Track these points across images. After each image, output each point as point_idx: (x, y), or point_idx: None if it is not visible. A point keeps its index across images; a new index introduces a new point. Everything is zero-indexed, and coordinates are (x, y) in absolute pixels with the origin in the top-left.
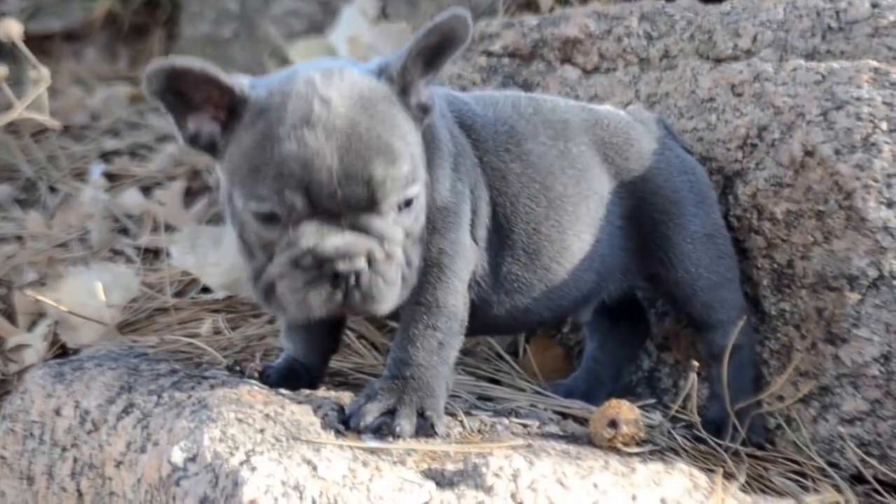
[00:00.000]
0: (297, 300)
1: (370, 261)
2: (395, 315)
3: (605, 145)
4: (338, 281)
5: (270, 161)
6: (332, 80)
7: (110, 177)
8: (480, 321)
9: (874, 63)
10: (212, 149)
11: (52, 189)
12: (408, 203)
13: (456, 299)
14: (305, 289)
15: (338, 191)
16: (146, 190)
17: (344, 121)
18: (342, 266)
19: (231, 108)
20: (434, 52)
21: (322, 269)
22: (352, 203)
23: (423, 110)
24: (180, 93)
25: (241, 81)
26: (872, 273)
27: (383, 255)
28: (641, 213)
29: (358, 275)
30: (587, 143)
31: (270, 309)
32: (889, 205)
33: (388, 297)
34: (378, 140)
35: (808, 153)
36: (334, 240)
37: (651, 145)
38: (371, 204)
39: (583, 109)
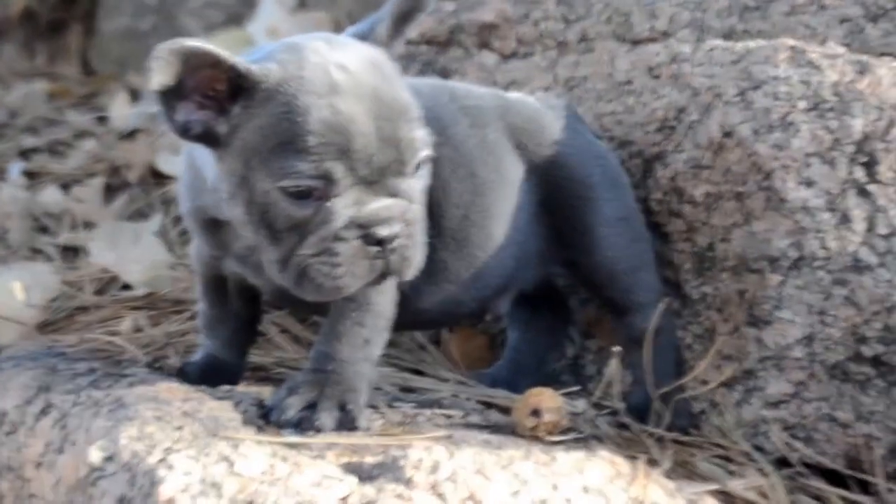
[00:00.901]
0: (340, 274)
1: (403, 223)
2: (319, 309)
3: (517, 131)
4: (380, 247)
5: (301, 133)
6: (337, 47)
7: (29, 174)
8: (410, 314)
9: (791, 42)
10: (207, 137)
11: None
12: (420, 164)
13: (385, 297)
14: (350, 260)
15: (374, 156)
16: (66, 187)
17: (366, 86)
18: (384, 231)
19: (234, 89)
20: (403, 17)
21: (365, 237)
22: (384, 167)
23: None
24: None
25: (242, 60)
26: (793, 254)
27: (413, 217)
28: (556, 198)
29: (395, 238)
30: (501, 129)
31: (304, 292)
32: (808, 184)
33: (418, 259)
34: (398, 102)
35: (727, 134)
36: (374, 205)
37: (563, 131)
38: (400, 167)
39: (494, 96)
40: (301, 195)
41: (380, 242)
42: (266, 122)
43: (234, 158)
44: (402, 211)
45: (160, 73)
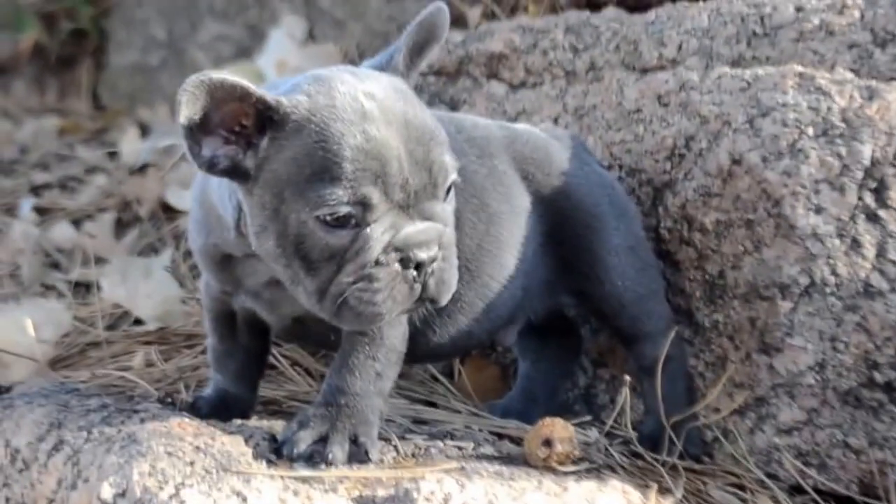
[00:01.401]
0: (380, 300)
1: (439, 246)
2: (329, 344)
3: (525, 161)
4: (419, 271)
5: (336, 161)
6: (362, 77)
7: (41, 210)
8: (421, 348)
9: (799, 68)
10: (233, 172)
11: None
12: (449, 189)
13: (397, 332)
14: (390, 285)
15: (408, 180)
16: (77, 223)
17: (395, 112)
18: (422, 254)
19: (261, 122)
20: (419, 48)
21: (403, 261)
22: (418, 191)
23: None
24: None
25: (268, 92)
26: (804, 280)
27: (448, 240)
28: (563, 228)
29: (432, 261)
30: (508, 160)
31: (343, 321)
32: (817, 211)
33: (455, 282)
34: (427, 127)
35: (736, 161)
36: (411, 229)
37: (570, 161)
38: (433, 190)
39: (500, 127)
40: (338, 223)
41: (418, 266)
42: (299, 152)
43: (264, 191)
44: (437, 234)
45: (187, 107)
